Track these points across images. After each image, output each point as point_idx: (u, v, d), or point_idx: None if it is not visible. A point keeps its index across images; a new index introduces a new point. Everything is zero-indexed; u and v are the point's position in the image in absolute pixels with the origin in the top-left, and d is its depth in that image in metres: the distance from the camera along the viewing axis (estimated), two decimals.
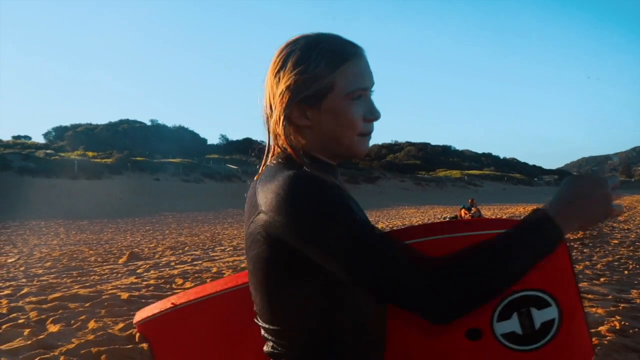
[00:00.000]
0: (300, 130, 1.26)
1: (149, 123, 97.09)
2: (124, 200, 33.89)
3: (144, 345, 4.32)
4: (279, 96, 1.23)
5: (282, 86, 1.22)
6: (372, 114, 1.27)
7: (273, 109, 1.25)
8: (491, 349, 1.42)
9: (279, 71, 1.24)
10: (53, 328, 4.96)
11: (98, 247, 12.91)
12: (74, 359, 4.04)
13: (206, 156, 70.80)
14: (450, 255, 1.10)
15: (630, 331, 4.98)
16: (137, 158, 53.91)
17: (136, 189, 39.10)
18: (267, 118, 1.28)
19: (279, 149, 1.28)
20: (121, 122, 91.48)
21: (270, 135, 1.29)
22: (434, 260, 1.09)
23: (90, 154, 57.04)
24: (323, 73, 1.20)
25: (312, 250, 1.09)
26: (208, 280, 7.31)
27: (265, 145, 1.32)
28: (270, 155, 1.30)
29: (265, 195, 1.14)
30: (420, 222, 20.23)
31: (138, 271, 8.58)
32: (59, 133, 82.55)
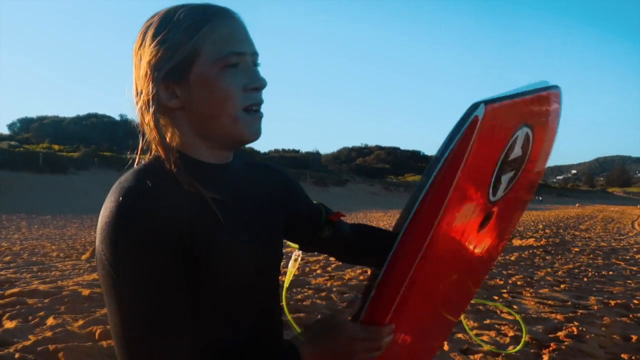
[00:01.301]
0: (172, 115, 1.09)
1: (117, 118, 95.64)
2: (90, 196, 33.28)
3: (104, 342, 4.25)
4: (143, 77, 1.06)
5: (143, 64, 1.06)
6: (255, 82, 1.08)
7: (140, 95, 1.08)
8: None
9: (139, 49, 1.08)
10: (9, 324, 4.84)
11: (61, 243, 12.67)
12: (30, 356, 3.94)
13: None
14: None
15: (587, 336, 5.09)
16: (104, 153, 53.04)
17: (103, 185, 38.20)
18: (138, 110, 1.10)
19: (154, 148, 1.10)
20: (89, 115, 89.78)
21: (143, 129, 1.10)
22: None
23: (56, 147, 55.94)
24: (183, 39, 1.04)
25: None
26: None
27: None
28: (147, 155, 1.13)
29: (103, 207, 1.00)
30: (387, 225, 20.37)
31: None
32: (24, 125, 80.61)
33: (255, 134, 1.11)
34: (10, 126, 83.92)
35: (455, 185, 1.09)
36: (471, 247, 1.36)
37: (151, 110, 1.05)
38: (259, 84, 1.09)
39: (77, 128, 77.15)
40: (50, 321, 4.92)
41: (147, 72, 1.06)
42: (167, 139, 1.08)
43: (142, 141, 1.13)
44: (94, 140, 63.42)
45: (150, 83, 1.05)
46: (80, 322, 4.85)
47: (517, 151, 1.24)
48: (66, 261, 9.39)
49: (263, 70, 1.13)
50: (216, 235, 1.04)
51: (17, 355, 3.93)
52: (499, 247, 1.53)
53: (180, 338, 0.98)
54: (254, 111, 1.10)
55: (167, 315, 0.97)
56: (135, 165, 1.11)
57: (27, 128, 76.45)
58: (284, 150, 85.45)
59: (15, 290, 6.19)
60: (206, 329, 1.07)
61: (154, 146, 1.09)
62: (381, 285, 1.17)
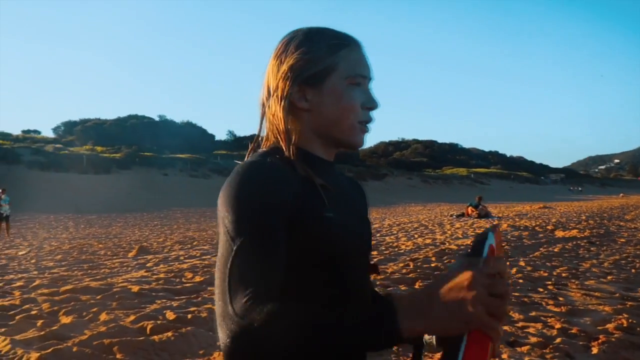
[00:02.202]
0: (298, 115, 1.27)
1: (157, 118, 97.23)
2: (132, 195, 34.04)
3: (155, 337, 4.39)
4: (281, 76, 1.25)
5: (284, 67, 1.25)
6: (371, 103, 1.28)
7: (272, 93, 1.27)
8: None
9: (281, 54, 1.27)
10: (65, 319, 5.04)
11: (107, 241, 13.01)
12: (87, 350, 4.10)
13: (214, 152, 70.93)
14: (291, 311, 1.01)
15: (638, 329, 5.00)
16: (145, 153, 54.06)
17: (144, 184, 39.26)
18: (263, 104, 1.29)
19: (272, 139, 1.28)
20: (129, 117, 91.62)
21: (265, 123, 1.29)
22: (275, 308, 1.01)
23: (99, 148, 57.27)
24: (325, 54, 1.24)
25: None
26: None
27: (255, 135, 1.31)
28: (261, 145, 1.31)
29: (227, 179, 1.18)
30: (426, 219, 20.28)
31: (148, 265, 8.67)
32: (68, 128, 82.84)
33: (362, 144, 1.31)
34: (55, 129, 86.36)
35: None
36: None
37: (282, 104, 1.24)
38: (375, 105, 1.30)
39: (119, 129, 78.78)
40: (103, 317, 5.10)
41: (287, 73, 1.24)
42: (289, 132, 1.25)
43: (260, 130, 1.31)
44: (135, 141, 64.64)
45: (288, 82, 1.24)
46: (132, 317, 5.01)
47: None
48: (114, 259, 9.66)
49: None
50: (322, 212, 1.19)
51: (75, 349, 4.09)
52: None
53: (273, 283, 1.09)
54: (365, 125, 1.29)
55: (265, 263, 1.09)
56: (248, 154, 1.30)
57: (70, 131, 78.48)
58: None
59: (69, 287, 6.43)
60: (303, 293, 1.19)
61: (273, 137, 1.27)
62: None
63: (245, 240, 1.08)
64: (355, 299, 1.29)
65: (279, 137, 1.25)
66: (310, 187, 1.21)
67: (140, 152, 54.55)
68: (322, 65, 1.24)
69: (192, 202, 31.64)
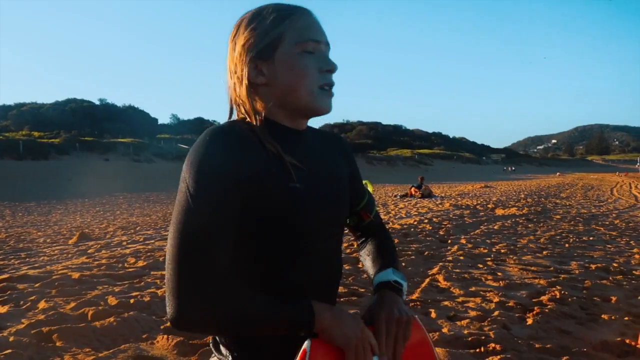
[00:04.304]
0: (259, 91, 1.32)
1: (97, 102, 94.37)
2: (73, 181, 33.03)
3: (97, 323, 4.30)
4: (237, 57, 1.31)
5: (238, 47, 1.31)
6: (327, 65, 1.32)
7: (232, 76, 1.33)
8: None
9: (234, 37, 1.34)
10: (1, 309, 4.86)
11: (47, 229, 12.61)
12: (25, 339, 3.97)
13: (157, 136, 69.55)
14: (230, 285, 1.16)
15: (569, 299, 5.24)
16: (85, 138, 52.46)
17: (85, 170, 38.11)
18: (229, 87, 1.35)
19: (241, 117, 1.35)
20: (68, 101, 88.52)
21: (234, 105, 1.36)
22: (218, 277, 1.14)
23: (36, 134, 55.19)
24: (270, 26, 1.29)
25: None
26: (161, 258, 7.28)
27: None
28: None
29: (195, 143, 1.24)
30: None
31: (89, 251, 8.45)
32: (2, 112, 79.29)
33: (327, 108, 1.34)
34: None
35: None
36: None
37: (244, 84, 1.30)
38: (332, 67, 1.32)
39: (57, 114, 75.99)
40: (42, 305, 4.95)
41: (240, 53, 1.31)
42: (255, 110, 1.32)
43: (230, 116, 1.37)
44: (74, 126, 62.55)
45: (243, 62, 1.30)
46: (72, 304, 4.89)
47: None
48: (54, 246, 9.37)
49: None
50: (288, 185, 1.26)
51: (11, 339, 3.96)
52: None
53: (219, 253, 1.16)
54: (327, 89, 1.33)
55: (212, 232, 1.15)
56: None
57: (5, 115, 75.13)
58: None
59: (5, 276, 6.20)
60: (268, 268, 1.29)
61: (241, 115, 1.34)
62: None
63: (197, 206, 1.14)
64: (316, 266, 1.37)
65: (246, 115, 1.32)
66: (277, 159, 1.26)
67: (80, 136, 52.87)
68: (270, 38, 1.29)
69: (136, 187, 30.97)
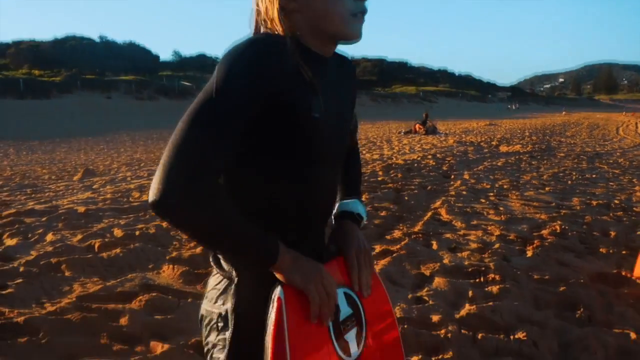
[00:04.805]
0: (291, 18, 1.29)
1: (97, 39, 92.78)
2: (76, 120, 32.96)
3: (104, 254, 4.39)
4: None
5: None
6: None
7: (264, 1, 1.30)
8: None
9: None
10: (10, 242, 4.96)
11: (51, 166, 12.67)
12: (34, 269, 4.08)
13: (159, 73, 68.82)
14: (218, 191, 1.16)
15: (569, 233, 5.31)
16: (86, 76, 51.97)
17: (87, 108, 37.98)
18: (259, 13, 1.33)
19: None
20: (67, 38, 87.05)
21: (263, 31, 1.33)
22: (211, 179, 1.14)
23: (36, 72, 54.65)
24: None
25: None
26: None
27: None
28: None
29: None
30: (375, 136, 20.47)
31: (94, 187, 8.53)
32: (0, 51, 78.26)
33: (359, 35, 1.33)
34: None
35: None
36: None
37: (275, 6, 1.27)
38: None
39: (56, 52, 74.80)
40: (49, 237, 5.04)
41: None
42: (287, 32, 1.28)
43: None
44: (74, 63, 61.79)
45: None
46: (79, 236, 4.98)
47: (345, 310, 1.37)
48: (59, 183, 9.45)
49: None
50: (310, 112, 1.25)
51: (21, 269, 4.07)
52: None
53: (219, 152, 1.15)
54: (358, 17, 1.31)
55: (223, 129, 1.15)
56: None
57: (3, 54, 74.01)
58: None
59: (12, 211, 6.29)
60: (275, 190, 1.31)
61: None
62: None
63: (219, 98, 1.14)
64: (319, 193, 1.39)
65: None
66: (301, 81, 1.24)
67: (82, 74, 52.35)
68: None
69: (139, 125, 30.88)
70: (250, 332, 1.29)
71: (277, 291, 1.24)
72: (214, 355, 1.37)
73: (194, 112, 1.14)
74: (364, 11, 1.32)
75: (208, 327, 1.38)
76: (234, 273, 1.34)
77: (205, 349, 1.40)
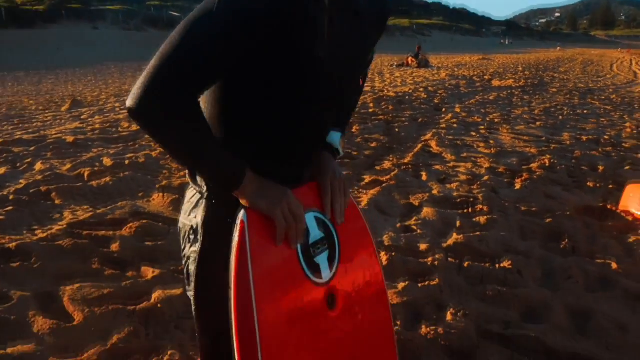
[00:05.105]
0: None
1: None
2: (62, 51, 32.27)
3: (93, 182, 4.39)
4: None
5: None
6: None
7: None
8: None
9: None
10: None
11: (38, 97, 12.47)
12: (24, 197, 4.07)
13: (147, 3, 66.95)
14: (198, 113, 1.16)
15: (558, 167, 5.34)
16: (72, 5, 50.47)
17: (74, 39, 37.12)
18: None
19: None
20: None
21: None
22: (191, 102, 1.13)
23: (18, 0, 52.98)
24: None
25: None
26: None
27: None
28: None
29: None
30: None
31: (82, 117, 8.44)
32: None
33: None
34: None
35: (255, 285, 1.20)
36: (336, 326, 1.40)
37: None
38: None
39: None
40: (38, 166, 5.02)
41: None
42: None
43: None
44: None
45: None
46: (68, 165, 4.96)
47: (316, 233, 1.35)
48: (46, 113, 9.32)
49: None
50: (313, 44, 1.17)
51: (11, 197, 4.06)
52: (378, 313, 1.56)
53: (207, 68, 1.11)
54: None
55: (216, 44, 1.10)
56: None
57: None
58: None
59: None
60: (263, 120, 1.27)
61: None
62: None
63: (220, 12, 1.08)
64: (307, 131, 1.35)
65: None
66: (313, 14, 1.15)
67: (66, 3, 50.82)
68: None
69: (127, 56, 30.26)
70: (218, 248, 1.30)
71: (241, 214, 1.24)
72: (189, 267, 1.40)
73: (190, 24, 1.09)
74: None
75: (183, 239, 1.41)
76: (205, 188, 1.34)
77: (183, 261, 1.43)
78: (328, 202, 1.40)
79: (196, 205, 1.37)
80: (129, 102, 1.09)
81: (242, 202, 1.25)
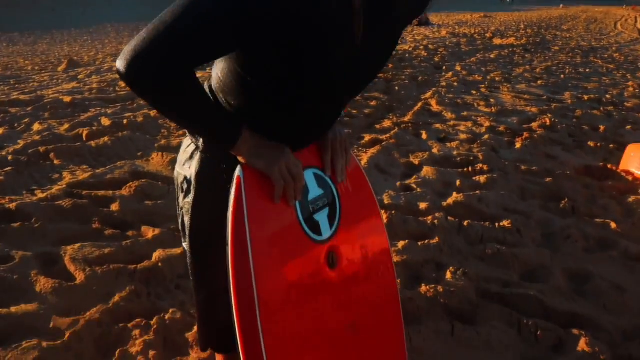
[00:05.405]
0: None
1: None
2: (57, 11, 31.73)
3: (92, 143, 4.37)
4: None
5: None
6: None
7: None
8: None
9: None
10: None
11: (34, 58, 12.32)
12: (23, 158, 4.05)
13: None
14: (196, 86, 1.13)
15: (559, 127, 5.32)
16: None
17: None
18: None
19: None
20: None
21: None
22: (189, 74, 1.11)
23: None
24: None
25: None
26: None
27: None
28: None
29: None
30: None
31: (79, 77, 8.34)
32: None
33: None
34: None
35: (252, 242, 1.19)
36: (336, 285, 1.38)
37: None
38: None
39: None
40: (36, 127, 4.98)
41: None
42: None
43: None
44: None
45: None
46: (66, 125, 4.92)
47: (315, 191, 1.33)
48: (42, 73, 9.22)
49: None
50: (329, 47, 1.12)
51: (10, 158, 4.03)
52: (381, 273, 1.53)
53: (204, 43, 1.07)
54: None
55: (219, 21, 1.04)
56: None
57: None
58: None
59: None
60: (268, 104, 1.25)
61: None
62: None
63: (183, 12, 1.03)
64: (310, 121, 1.33)
65: None
66: (343, 13, 1.08)
67: None
68: None
69: (124, 18, 29.81)
70: (211, 202, 1.31)
71: (237, 170, 1.24)
72: (183, 218, 1.42)
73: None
74: None
75: (178, 188, 1.43)
76: (200, 141, 1.33)
77: (178, 211, 1.44)
78: (328, 159, 1.38)
79: (191, 157, 1.37)
80: (120, 65, 1.05)
81: (240, 159, 1.25)
